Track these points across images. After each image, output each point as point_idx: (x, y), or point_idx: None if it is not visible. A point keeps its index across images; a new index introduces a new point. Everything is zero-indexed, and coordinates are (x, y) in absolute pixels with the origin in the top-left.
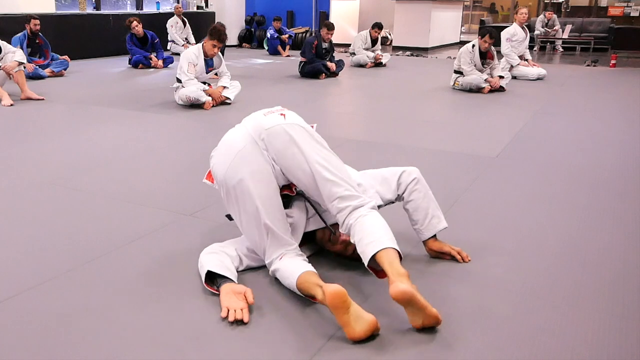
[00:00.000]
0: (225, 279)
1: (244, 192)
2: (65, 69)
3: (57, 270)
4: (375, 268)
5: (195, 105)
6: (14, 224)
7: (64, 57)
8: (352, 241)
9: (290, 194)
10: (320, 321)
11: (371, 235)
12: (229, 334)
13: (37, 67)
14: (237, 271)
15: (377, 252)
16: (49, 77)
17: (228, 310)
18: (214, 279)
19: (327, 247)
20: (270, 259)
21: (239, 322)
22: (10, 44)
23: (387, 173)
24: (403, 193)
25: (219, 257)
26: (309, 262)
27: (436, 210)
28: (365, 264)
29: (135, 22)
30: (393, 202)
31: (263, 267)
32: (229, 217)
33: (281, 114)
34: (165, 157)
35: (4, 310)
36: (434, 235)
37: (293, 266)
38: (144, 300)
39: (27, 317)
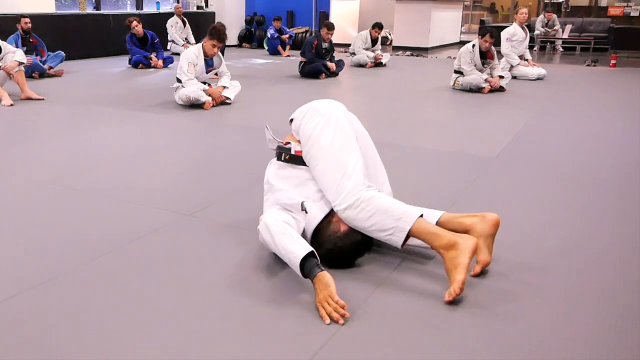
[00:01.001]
0: (314, 264)
1: (350, 121)
2: (61, 61)
3: (57, 270)
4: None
5: (195, 105)
6: (14, 224)
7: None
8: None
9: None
10: (320, 321)
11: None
12: (229, 334)
13: (36, 60)
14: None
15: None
16: (48, 74)
17: (330, 316)
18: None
19: (331, 235)
20: (363, 185)
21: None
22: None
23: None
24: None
25: (293, 235)
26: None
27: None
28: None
29: (135, 22)
30: None
31: (262, 263)
32: (280, 152)
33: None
34: (165, 157)
35: (4, 310)
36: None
37: (399, 205)
38: (143, 300)
39: (27, 317)
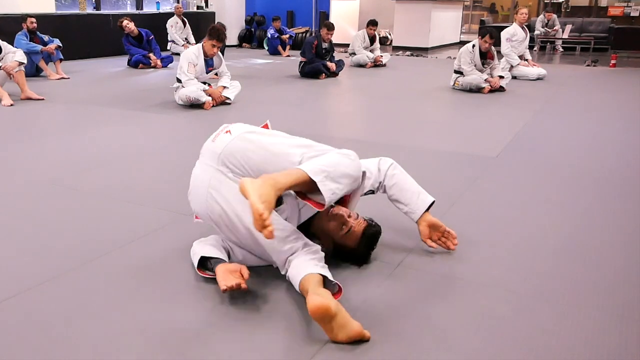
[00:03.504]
0: (217, 259)
1: (231, 221)
2: (59, 46)
3: (57, 270)
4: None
5: (195, 105)
6: (13, 224)
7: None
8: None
9: None
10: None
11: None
12: (229, 334)
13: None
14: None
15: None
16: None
17: (226, 286)
18: (205, 264)
19: (323, 237)
20: (282, 268)
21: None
22: (11, 43)
23: (365, 162)
24: (384, 180)
25: (209, 243)
26: (321, 257)
27: (420, 188)
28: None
29: (126, 21)
30: (373, 193)
31: (259, 268)
32: None
33: (226, 132)
34: (165, 157)
35: (4, 310)
36: (427, 210)
37: (299, 268)
38: (143, 300)
39: (27, 317)
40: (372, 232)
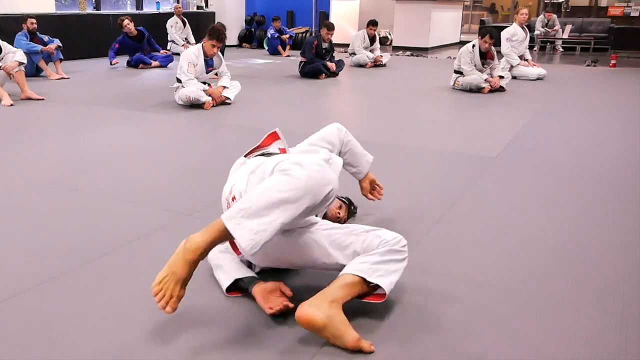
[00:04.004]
0: (250, 278)
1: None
2: (59, 46)
3: (57, 270)
4: None
5: (195, 105)
6: (13, 224)
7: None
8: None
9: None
10: None
11: None
12: (228, 336)
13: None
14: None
15: None
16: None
17: (274, 310)
18: (236, 283)
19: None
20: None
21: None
22: (11, 43)
23: (325, 134)
24: (342, 147)
25: (230, 262)
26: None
27: (362, 148)
28: None
29: (127, 21)
30: None
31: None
32: None
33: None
34: (165, 157)
35: (4, 310)
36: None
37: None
38: (143, 301)
39: (27, 317)
40: (354, 211)
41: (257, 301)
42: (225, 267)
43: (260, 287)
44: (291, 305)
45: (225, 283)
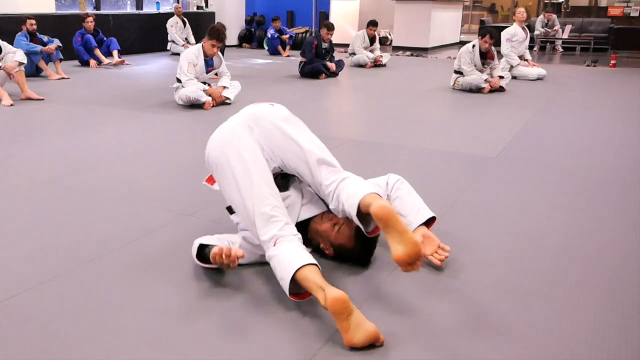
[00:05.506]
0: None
1: (233, 168)
2: (59, 46)
3: (57, 270)
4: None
5: (195, 105)
6: (14, 224)
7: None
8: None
9: (286, 174)
10: (318, 323)
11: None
12: (228, 335)
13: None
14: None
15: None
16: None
17: (216, 257)
18: (206, 256)
19: (316, 238)
20: (264, 241)
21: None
22: (11, 43)
23: (374, 179)
24: (390, 191)
25: (212, 237)
26: (306, 248)
27: (423, 204)
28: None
29: (90, 19)
30: None
31: (260, 266)
32: (229, 209)
33: (270, 104)
34: (165, 157)
35: (4, 310)
36: (426, 225)
37: (292, 256)
38: (143, 300)
39: (27, 317)
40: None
41: (210, 255)
42: (200, 240)
43: (217, 247)
44: (234, 265)
45: (194, 250)
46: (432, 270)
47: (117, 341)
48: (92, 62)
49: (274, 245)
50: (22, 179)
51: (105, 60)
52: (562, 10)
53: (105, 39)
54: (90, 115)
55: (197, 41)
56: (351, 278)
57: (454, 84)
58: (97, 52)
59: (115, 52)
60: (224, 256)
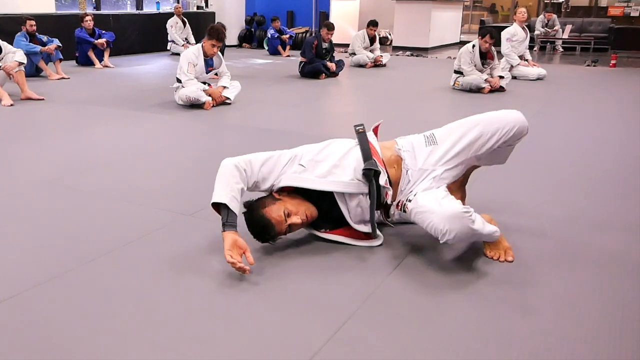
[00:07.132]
0: (231, 221)
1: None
2: (59, 46)
3: (57, 270)
4: None
5: (195, 105)
6: (13, 224)
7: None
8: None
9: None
10: (320, 321)
11: None
12: (229, 333)
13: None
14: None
15: None
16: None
17: (232, 262)
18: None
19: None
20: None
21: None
22: (11, 43)
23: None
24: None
25: (233, 186)
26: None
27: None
28: None
29: (89, 17)
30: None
31: (259, 264)
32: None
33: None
34: (165, 157)
35: (4, 310)
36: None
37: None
38: (143, 300)
39: (27, 317)
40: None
41: (223, 243)
42: (222, 192)
43: (232, 236)
44: (248, 270)
45: (216, 198)
46: (432, 270)
47: (117, 341)
48: (96, 62)
49: None
50: (22, 179)
51: (98, 64)
52: (562, 10)
53: (103, 33)
54: (90, 115)
55: (197, 41)
56: (351, 276)
57: (454, 84)
58: (91, 54)
59: (106, 55)
60: (236, 268)
